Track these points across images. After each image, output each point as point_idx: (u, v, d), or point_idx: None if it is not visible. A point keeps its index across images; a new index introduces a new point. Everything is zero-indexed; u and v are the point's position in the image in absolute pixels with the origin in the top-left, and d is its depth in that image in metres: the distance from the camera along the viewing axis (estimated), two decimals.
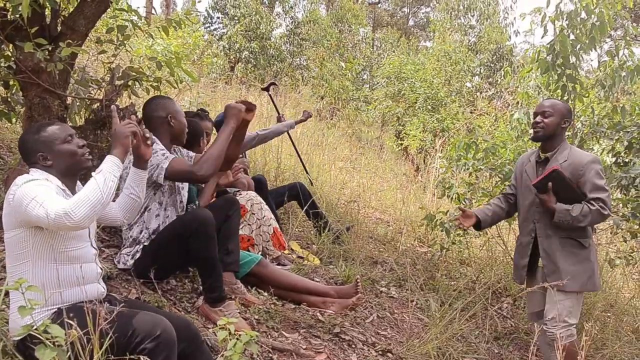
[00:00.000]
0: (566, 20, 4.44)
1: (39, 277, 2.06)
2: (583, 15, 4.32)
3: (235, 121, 3.03)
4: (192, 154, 3.38)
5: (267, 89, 5.97)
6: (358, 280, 3.66)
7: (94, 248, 2.31)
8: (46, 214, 1.92)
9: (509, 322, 4.43)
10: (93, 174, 2.09)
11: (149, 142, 2.52)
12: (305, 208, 4.96)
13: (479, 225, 3.64)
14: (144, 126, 2.60)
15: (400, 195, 7.54)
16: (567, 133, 4.31)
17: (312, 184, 5.98)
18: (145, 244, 3.07)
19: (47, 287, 2.06)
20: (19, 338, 1.98)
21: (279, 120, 5.36)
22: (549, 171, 3.19)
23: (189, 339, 2.24)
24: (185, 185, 3.34)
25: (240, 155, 4.54)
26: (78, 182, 2.36)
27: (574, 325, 3.25)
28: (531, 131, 3.48)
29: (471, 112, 12.83)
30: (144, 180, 2.58)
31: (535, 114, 3.39)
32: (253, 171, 5.73)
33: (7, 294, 2.11)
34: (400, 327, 3.85)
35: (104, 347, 1.85)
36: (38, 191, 1.99)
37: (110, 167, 2.12)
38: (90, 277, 2.23)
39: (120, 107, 3.47)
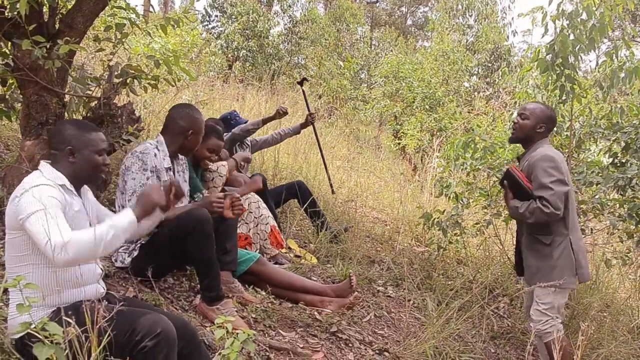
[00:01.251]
0: (567, 20, 4.44)
1: (38, 279, 2.05)
2: (584, 16, 4.32)
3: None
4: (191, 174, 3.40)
5: (300, 84, 5.92)
6: (352, 275, 3.66)
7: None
8: (44, 236, 1.93)
9: (505, 322, 4.45)
10: (108, 222, 2.06)
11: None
12: (304, 206, 4.97)
13: None
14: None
15: (397, 195, 7.54)
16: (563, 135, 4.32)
17: (333, 192, 5.92)
18: (143, 242, 3.07)
19: (47, 290, 2.06)
20: (17, 336, 1.98)
21: (308, 117, 5.27)
22: (505, 172, 3.40)
23: (186, 338, 2.24)
24: (181, 180, 3.32)
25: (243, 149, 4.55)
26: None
27: (557, 319, 3.29)
28: None
29: (469, 112, 12.84)
30: (141, 230, 2.47)
31: (517, 114, 3.53)
32: (251, 170, 5.73)
33: (5, 292, 2.11)
34: (397, 326, 3.85)
35: (102, 345, 1.84)
36: (43, 204, 1.98)
37: (125, 227, 2.10)
38: (90, 277, 2.23)
39: (119, 104, 3.47)
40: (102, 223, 2.08)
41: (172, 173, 3.17)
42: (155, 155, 3.07)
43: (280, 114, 5.07)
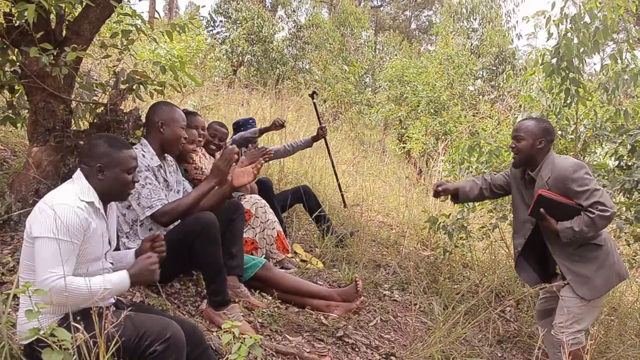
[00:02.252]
0: (570, 23, 4.45)
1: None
2: (587, 19, 4.33)
3: (217, 182, 3.05)
4: (182, 178, 3.40)
5: (312, 96, 5.92)
6: (357, 280, 3.66)
7: (110, 263, 2.32)
8: (43, 270, 1.95)
9: (512, 326, 4.43)
10: (106, 280, 2.07)
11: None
12: (310, 211, 4.97)
13: (456, 197, 3.74)
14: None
15: (403, 199, 7.53)
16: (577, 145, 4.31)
17: (345, 205, 5.89)
18: None
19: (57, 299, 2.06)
20: (26, 342, 2.00)
21: (320, 130, 5.24)
22: (536, 198, 3.19)
23: (194, 343, 2.25)
24: (173, 180, 3.31)
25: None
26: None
27: (582, 332, 3.22)
28: None
29: (474, 116, 12.83)
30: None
31: (512, 138, 3.40)
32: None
33: (15, 297, 2.12)
34: (403, 330, 3.85)
35: (111, 351, 1.85)
36: (60, 236, 1.99)
37: (118, 290, 2.12)
38: None
39: (125, 110, 3.49)
40: (98, 277, 2.07)
41: (162, 172, 3.17)
42: (143, 156, 3.07)
43: (277, 125, 4.97)
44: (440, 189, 3.69)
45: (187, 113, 3.63)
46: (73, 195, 2.12)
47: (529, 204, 3.31)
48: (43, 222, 2.00)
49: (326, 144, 5.73)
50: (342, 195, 5.80)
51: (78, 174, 2.23)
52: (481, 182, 3.70)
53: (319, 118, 5.78)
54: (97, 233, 2.17)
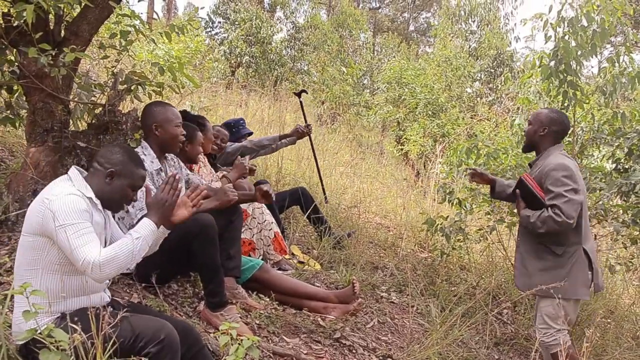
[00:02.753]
0: (567, 26, 4.46)
1: (45, 285, 2.07)
2: (584, 22, 4.34)
3: (219, 205, 3.10)
4: (187, 172, 3.40)
5: (298, 95, 5.95)
6: (354, 282, 3.66)
7: None
8: (80, 254, 1.98)
9: (509, 328, 4.44)
10: (133, 234, 2.11)
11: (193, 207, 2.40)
12: (307, 213, 4.97)
13: (493, 190, 3.79)
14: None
15: (400, 201, 7.55)
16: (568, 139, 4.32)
17: (326, 200, 5.91)
18: None
19: (53, 296, 2.07)
20: (22, 342, 1.99)
21: (305, 128, 5.21)
22: (518, 180, 3.35)
23: (189, 343, 2.25)
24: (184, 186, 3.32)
25: (242, 160, 4.56)
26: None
27: (560, 331, 3.24)
28: None
29: (472, 118, 12.85)
30: (163, 237, 2.41)
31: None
32: (255, 176, 5.74)
33: (11, 297, 2.12)
34: (400, 332, 3.85)
35: (108, 351, 1.85)
36: (78, 218, 2.02)
37: (148, 235, 2.16)
38: (97, 286, 2.24)
39: (123, 112, 3.49)
40: (126, 237, 2.12)
41: (163, 174, 3.17)
42: (143, 160, 3.07)
43: (298, 132, 5.07)
44: (476, 174, 3.78)
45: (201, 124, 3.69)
46: (70, 187, 2.13)
47: None
48: (58, 210, 2.01)
49: (311, 142, 5.74)
50: (323, 188, 5.82)
51: (74, 173, 2.22)
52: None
53: (304, 116, 5.81)
54: (99, 227, 2.18)
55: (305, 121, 5.51)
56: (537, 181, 3.28)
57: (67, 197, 2.05)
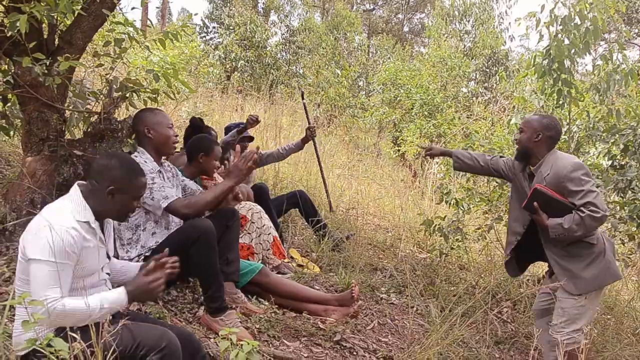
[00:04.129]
0: (560, 25, 4.47)
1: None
2: (577, 20, 4.36)
3: (236, 181, 3.08)
4: (183, 177, 3.41)
5: (302, 97, 5.95)
6: (354, 286, 3.67)
7: (105, 274, 2.30)
8: (39, 291, 1.94)
9: (509, 327, 4.44)
10: (102, 300, 2.06)
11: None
12: (306, 216, 4.98)
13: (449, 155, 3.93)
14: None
15: (398, 202, 7.55)
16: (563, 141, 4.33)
17: (331, 209, 5.90)
18: (146, 254, 3.08)
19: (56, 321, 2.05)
20: (22, 353, 1.99)
21: (307, 131, 5.24)
22: (531, 191, 3.24)
23: (191, 352, 2.25)
24: (170, 185, 3.32)
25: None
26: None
27: (579, 332, 3.23)
28: None
29: (468, 117, 12.86)
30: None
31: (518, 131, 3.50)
32: (252, 180, 5.74)
33: (11, 308, 2.11)
34: (401, 333, 3.85)
35: None
36: (56, 258, 1.97)
37: (115, 308, 2.11)
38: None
39: (119, 119, 3.49)
40: (95, 297, 2.06)
41: (162, 176, 3.18)
42: (145, 162, 3.08)
43: (251, 122, 4.91)
44: (428, 149, 3.96)
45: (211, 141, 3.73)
46: (69, 215, 2.09)
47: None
48: (37, 244, 1.98)
49: (314, 146, 5.72)
50: (329, 197, 5.81)
51: (75, 191, 2.19)
52: (479, 157, 3.80)
53: (308, 118, 5.79)
54: (91, 249, 2.14)
55: (309, 123, 5.49)
56: (554, 188, 3.19)
57: (55, 232, 2.00)
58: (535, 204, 3.21)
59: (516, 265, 3.64)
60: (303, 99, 5.92)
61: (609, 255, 3.26)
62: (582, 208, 3.09)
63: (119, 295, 2.12)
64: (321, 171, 5.96)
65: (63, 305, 1.96)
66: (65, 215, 2.08)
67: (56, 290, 1.96)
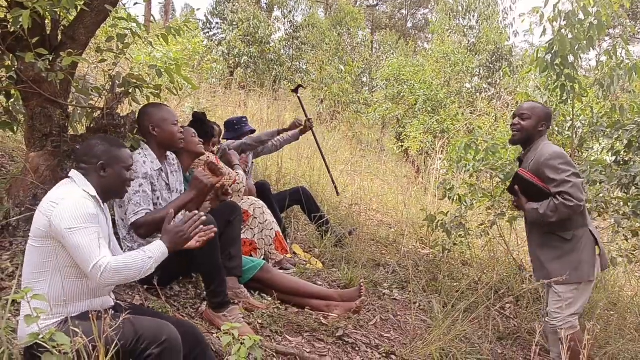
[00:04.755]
0: (564, 20, 4.46)
1: (51, 289, 2.08)
2: (581, 15, 4.34)
3: (196, 195, 3.08)
4: (181, 177, 3.43)
5: (295, 91, 5.95)
6: (362, 284, 3.68)
7: None
8: (90, 257, 2.01)
9: (512, 322, 4.44)
10: (147, 252, 2.15)
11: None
12: (309, 212, 4.98)
13: None
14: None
15: (401, 198, 7.55)
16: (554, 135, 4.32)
17: (337, 193, 5.90)
18: None
19: (56, 300, 2.07)
20: (25, 346, 2.00)
21: (306, 123, 5.23)
22: (514, 175, 3.36)
23: (193, 345, 2.26)
24: (175, 180, 3.33)
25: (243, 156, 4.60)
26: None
27: (575, 316, 3.27)
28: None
29: (471, 113, 12.84)
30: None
31: (514, 116, 3.46)
32: (255, 176, 5.74)
33: (15, 302, 2.13)
34: (403, 329, 3.86)
35: (110, 354, 1.86)
36: (87, 221, 2.04)
37: (159, 258, 2.21)
38: (100, 290, 2.25)
39: (122, 115, 3.49)
40: (139, 252, 2.16)
41: (164, 174, 3.19)
42: (144, 162, 3.09)
43: (297, 125, 5.07)
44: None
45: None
46: (78, 189, 2.16)
47: None
48: (67, 213, 2.03)
49: (314, 135, 5.72)
50: (333, 181, 5.81)
51: (75, 175, 2.24)
52: None
53: (304, 111, 5.79)
54: (103, 227, 2.20)
55: (306, 116, 5.49)
56: (534, 173, 3.28)
57: (75, 199, 2.07)
58: (516, 187, 3.34)
59: None
60: (297, 92, 5.92)
61: (584, 255, 3.27)
62: (557, 196, 3.17)
63: (158, 246, 2.22)
64: (323, 157, 5.96)
65: (116, 261, 2.03)
66: (75, 190, 2.15)
67: (104, 250, 2.03)
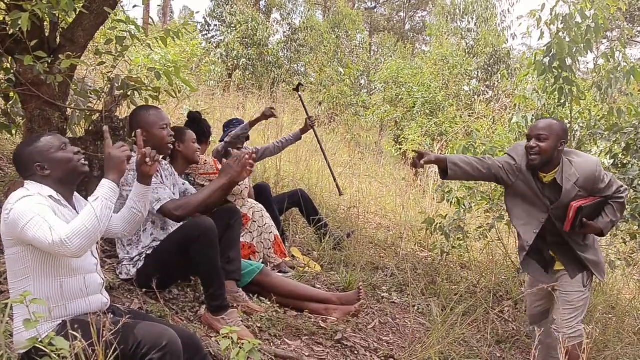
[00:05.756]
0: (561, 23, 4.47)
1: (41, 291, 2.07)
2: (578, 18, 4.35)
3: (229, 179, 3.04)
4: (183, 181, 3.42)
5: (297, 89, 5.93)
6: (361, 287, 3.67)
7: (95, 257, 2.31)
8: (45, 239, 1.95)
9: (510, 326, 4.44)
10: (89, 199, 2.11)
11: (152, 161, 2.50)
12: (307, 215, 4.97)
13: (445, 173, 3.27)
14: (143, 145, 2.58)
15: (400, 200, 7.55)
16: None
17: (340, 193, 5.86)
18: (147, 252, 3.08)
19: (51, 301, 2.07)
20: (23, 351, 1.99)
21: (307, 121, 5.22)
22: (574, 212, 3.13)
23: (191, 350, 2.25)
24: (169, 183, 3.32)
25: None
26: (76, 192, 2.38)
27: (582, 323, 3.28)
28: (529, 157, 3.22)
29: (469, 116, 12.85)
30: (147, 195, 2.58)
31: (529, 137, 3.20)
32: (253, 179, 5.74)
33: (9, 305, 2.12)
34: (402, 332, 3.85)
35: (109, 359, 1.85)
36: (34, 211, 2.00)
37: (106, 193, 2.14)
38: (93, 288, 2.24)
39: (120, 117, 3.49)
40: (86, 206, 2.10)
41: (159, 175, 3.18)
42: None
43: (267, 115, 4.95)
44: (421, 160, 3.16)
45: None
46: (27, 192, 2.11)
47: (546, 205, 3.27)
48: (17, 215, 2.00)
49: (315, 134, 5.67)
50: (336, 181, 5.77)
51: (26, 183, 2.20)
52: (477, 162, 3.31)
53: (305, 110, 5.76)
54: (65, 216, 2.15)
55: (307, 114, 5.47)
56: (588, 190, 3.18)
57: (21, 200, 2.04)
58: (584, 220, 3.15)
59: (538, 265, 3.50)
60: (298, 91, 5.89)
61: (600, 254, 3.37)
62: (615, 195, 3.17)
63: (100, 184, 2.17)
64: (325, 157, 5.92)
65: (70, 226, 1.99)
66: (22, 192, 2.11)
67: (55, 231, 1.96)
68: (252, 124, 4.89)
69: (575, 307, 3.25)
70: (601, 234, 3.27)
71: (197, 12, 16.69)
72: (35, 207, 2.02)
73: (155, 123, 3.10)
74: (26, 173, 2.21)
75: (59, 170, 2.22)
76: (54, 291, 2.09)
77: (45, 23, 3.21)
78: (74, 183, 2.32)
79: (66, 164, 2.23)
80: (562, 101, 4.63)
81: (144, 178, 2.54)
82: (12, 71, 3.16)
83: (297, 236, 5.19)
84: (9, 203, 2.07)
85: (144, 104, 3.66)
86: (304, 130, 5.25)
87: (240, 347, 2.18)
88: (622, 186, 3.18)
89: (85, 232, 1.99)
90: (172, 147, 3.22)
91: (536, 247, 3.42)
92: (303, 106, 5.85)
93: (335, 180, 5.80)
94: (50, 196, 2.15)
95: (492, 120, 11.50)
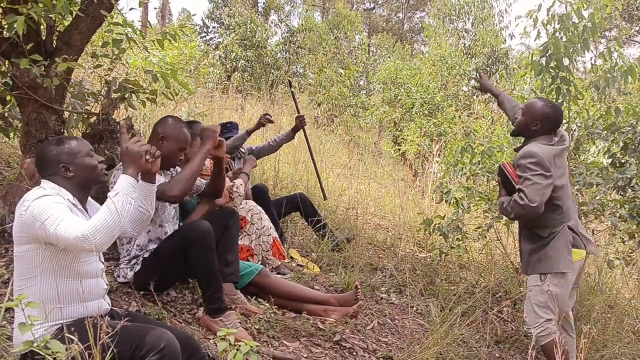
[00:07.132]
0: (558, 23, 4.47)
1: (43, 293, 2.07)
2: (575, 18, 4.35)
3: (211, 142, 3.07)
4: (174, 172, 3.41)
5: (290, 85, 5.92)
6: (358, 286, 3.67)
7: (101, 262, 2.32)
8: (68, 234, 1.96)
9: (509, 326, 4.44)
10: (109, 194, 2.11)
11: (154, 157, 2.49)
12: (309, 219, 4.97)
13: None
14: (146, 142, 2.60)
15: (398, 201, 7.55)
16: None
17: (325, 197, 5.85)
18: (145, 255, 3.08)
19: (52, 303, 2.07)
20: (20, 354, 1.99)
21: (297, 120, 5.19)
22: (498, 167, 3.46)
23: (189, 353, 2.25)
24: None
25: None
26: (89, 198, 2.39)
27: (551, 322, 3.25)
28: None
29: (468, 116, 12.85)
30: (152, 193, 2.57)
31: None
32: (252, 180, 5.73)
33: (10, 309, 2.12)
34: (401, 333, 3.85)
35: None
36: (54, 209, 2.02)
37: (126, 189, 2.14)
38: (96, 293, 2.24)
39: (117, 120, 3.49)
40: (106, 202, 2.11)
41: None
42: None
43: (262, 123, 4.95)
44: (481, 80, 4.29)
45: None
46: (45, 192, 2.13)
47: None
48: (36, 211, 2.01)
49: (305, 135, 5.64)
50: (321, 185, 5.76)
51: (44, 181, 2.22)
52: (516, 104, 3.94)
53: (297, 107, 5.73)
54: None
55: (298, 112, 5.44)
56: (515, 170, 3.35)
57: (40, 198, 2.05)
58: (498, 179, 3.44)
59: None
60: (291, 87, 5.88)
61: (555, 246, 3.28)
62: (519, 194, 3.21)
63: (120, 179, 2.17)
64: (312, 159, 5.87)
65: (92, 221, 1.99)
66: (39, 191, 2.13)
67: (76, 227, 1.97)
68: (250, 132, 4.89)
69: (536, 302, 3.29)
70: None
71: (195, 15, 16.66)
72: (54, 204, 2.04)
73: (179, 140, 3.10)
74: (47, 172, 2.23)
75: (83, 175, 2.25)
76: (53, 294, 2.09)
77: (42, 26, 3.21)
78: (90, 189, 2.35)
79: (91, 170, 2.27)
80: (559, 101, 4.63)
81: (148, 175, 2.53)
82: (8, 74, 3.15)
83: (295, 237, 5.19)
84: (26, 200, 2.08)
85: (142, 106, 3.66)
86: (295, 129, 5.23)
87: (237, 349, 2.18)
88: (523, 192, 3.15)
89: (106, 226, 2.00)
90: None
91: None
92: (295, 103, 5.80)
93: (320, 182, 5.77)
94: (67, 199, 2.17)
95: (490, 121, 11.48)
